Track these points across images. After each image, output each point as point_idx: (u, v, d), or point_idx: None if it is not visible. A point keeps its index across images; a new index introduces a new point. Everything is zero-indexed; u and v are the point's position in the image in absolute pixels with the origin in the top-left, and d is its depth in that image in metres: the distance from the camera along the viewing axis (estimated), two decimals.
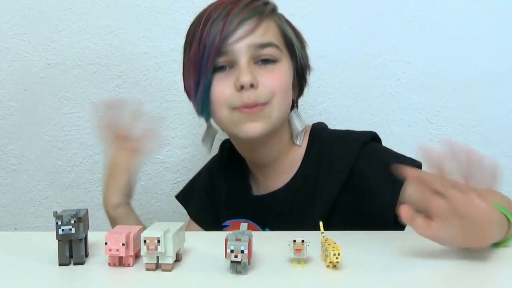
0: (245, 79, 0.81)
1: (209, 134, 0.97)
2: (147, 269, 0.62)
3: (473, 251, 0.68)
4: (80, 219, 0.64)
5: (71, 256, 0.65)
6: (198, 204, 1.09)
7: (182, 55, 0.92)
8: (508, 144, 1.26)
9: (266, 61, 0.85)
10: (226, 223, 1.02)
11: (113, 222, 0.97)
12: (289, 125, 0.94)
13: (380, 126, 1.26)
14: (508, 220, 0.66)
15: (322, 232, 0.68)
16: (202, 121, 1.30)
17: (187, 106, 1.30)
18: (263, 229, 0.96)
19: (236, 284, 0.57)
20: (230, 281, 0.58)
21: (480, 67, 1.24)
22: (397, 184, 0.83)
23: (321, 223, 0.69)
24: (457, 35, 1.24)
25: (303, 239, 0.61)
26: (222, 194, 1.04)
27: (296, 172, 0.93)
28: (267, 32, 0.85)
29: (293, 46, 0.90)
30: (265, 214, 0.95)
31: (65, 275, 0.62)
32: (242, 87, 0.82)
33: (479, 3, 1.23)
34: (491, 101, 1.25)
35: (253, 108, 0.83)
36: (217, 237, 0.76)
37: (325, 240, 0.65)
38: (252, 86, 0.82)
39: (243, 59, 0.83)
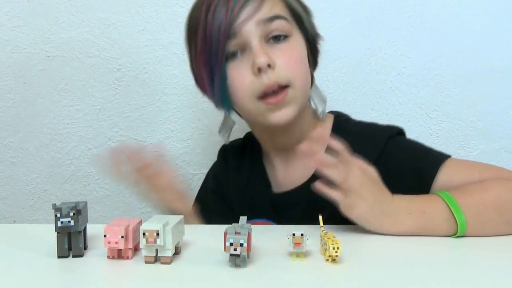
0: (261, 60, 0.78)
1: (226, 126, 0.95)
2: (146, 262, 0.62)
3: (469, 249, 0.68)
4: (79, 212, 0.64)
5: (70, 249, 0.65)
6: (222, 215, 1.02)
7: (186, 50, 0.89)
8: (508, 140, 1.26)
9: (277, 38, 0.81)
10: None
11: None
12: (309, 102, 0.91)
13: (380, 121, 1.25)
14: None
15: (322, 226, 0.68)
16: (201, 115, 1.31)
17: (187, 100, 1.30)
18: None
19: (235, 277, 0.57)
20: (229, 274, 0.58)
21: (480, 62, 1.24)
22: (427, 179, 0.81)
23: (320, 217, 0.69)
24: (458, 30, 1.23)
25: (302, 232, 0.61)
26: (238, 194, 0.99)
27: None
28: (273, 7, 0.81)
29: (301, 17, 0.86)
30: (287, 213, 0.91)
31: (64, 268, 0.62)
32: (259, 70, 0.78)
33: None
34: (491, 97, 1.25)
35: (277, 96, 0.80)
36: (216, 230, 0.76)
37: (325, 234, 0.65)
38: (269, 66, 0.78)
39: (254, 40, 0.79)
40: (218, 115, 1.19)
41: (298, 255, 0.63)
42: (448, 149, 0.87)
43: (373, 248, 0.69)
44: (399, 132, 0.92)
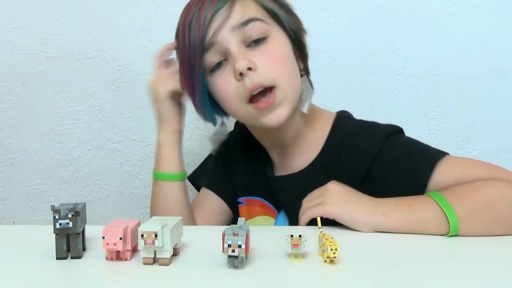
0: (240, 64, 0.78)
1: (220, 134, 0.96)
2: (144, 263, 0.62)
3: (468, 249, 0.69)
4: (78, 213, 0.64)
5: (68, 250, 0.65)
6: (212, 173, 1.06)
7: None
8: (507, 140, 1.26)
9: (257, 42, 0.82)
10: (241, 199, 1.01)
11: (163, 149, 0.95)
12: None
13: (379, 122, 1.26)
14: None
15: (320, 227, 0.68)
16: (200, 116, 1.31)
17: (186, 100, 1.30)
18: (278, 211, 0.95)
19: (233, 279, 0.57)
20: (227, 275, 0.58)
21: (479, 62, 1.24)
22: (423, 176, 0.82)
23: (318, 219, 0.69)
24: (457, 31, 1.24)
25: (300, 234, 0.61)
26: (239, 168, 1.02)
27: (316, 158, 0.91)
28: (245, 11, 0.81)
29: (277, 15, 0.85)
30: (281, 196, 0.94)
31: (62, 269, 0.62)
32: (241, 74, 0.79)
33: None
34: (490, 97, 1.25)
35: (268, 99, 0.80)
36: (215, 231, 0.76)
37: (323, 235, 0.65)
38: (250, 69, 0.79)
39: (232, 45, 0.80)
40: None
41: (296, 256, 0.63)
42: (447, 150, 0.87)
43: (371, 249, 0.69)
44: (398, 130, 0.92)
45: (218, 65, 0.83)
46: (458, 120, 1.26)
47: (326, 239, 0.62)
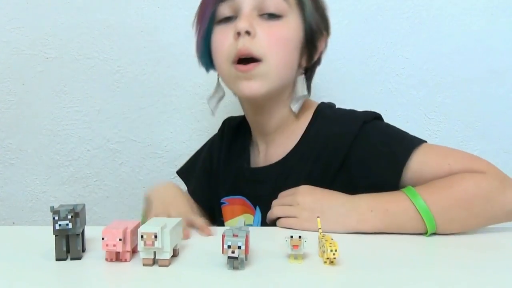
0: (241, 25, 0.80)
1: (216, 95, 0.95)
2: (144, 264, 0.61)
3: (468, 251, 0.69)
4: (77, 214, 0.63)
5: (68, 251, 0.65)
6: (196, 181, 1.07)
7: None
8: (507, 140, 1.26)
9: (271, 16, 0.83)
10: (223, 200, 1.01)
11: None
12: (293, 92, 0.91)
13: None
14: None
15: (320, 228, 0.68)
16: (200, 116, 1.31)
17: (185, 101, 1.30)
18: (254, 207, 0.94)
19: (233, 280, 0.57)
20: (227, 276, 0.58)
21: (479, 63, 1.24)
22: (399, 163, 0.81)
23: (318, 219, 0.69)
24: (456, 31, 1.23)
25: (300, 235, 0.61)
26: (221, 170, 1.02)
27: (293, 148, 0.90)
28: None
29: (303, 4, 0.86)
30: (258, 189, 0.93)
31: (62, 270, 0.62)
32: (239, 34, 0.80)
33: None
34: (490, 97, 1.25)
35: (248, 65, 0.81)
36: (214, 232, 0.76)
37: (323, 236, 0.65)
38: (248, 34, 0.80)
39: (245, 7, 0.82)
40: (217, 116, 1.20)
41: (296, 257, 0.63)
42: None
43: (370, 250, 0.69)
44: (376, 117, 0.91)
45: (226, 19, 0.84)
46: (458, 121, 1.26)
47: (326, 240, 0.62)
